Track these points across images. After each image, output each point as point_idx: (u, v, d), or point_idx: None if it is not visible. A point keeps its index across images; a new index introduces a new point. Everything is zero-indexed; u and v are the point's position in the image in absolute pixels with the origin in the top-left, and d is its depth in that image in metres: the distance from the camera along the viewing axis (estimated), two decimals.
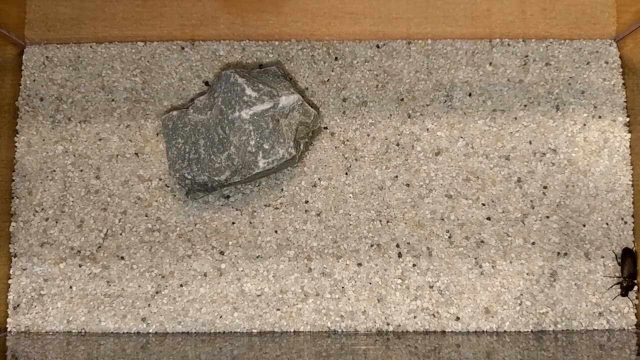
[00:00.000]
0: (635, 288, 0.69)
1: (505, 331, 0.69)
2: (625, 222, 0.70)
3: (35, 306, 0.70)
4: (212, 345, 0.65)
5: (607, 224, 0.70)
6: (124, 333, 0.69)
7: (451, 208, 0.71)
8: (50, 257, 0.71)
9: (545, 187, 0.71)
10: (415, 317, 0.69)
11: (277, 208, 0.72)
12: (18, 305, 0.71)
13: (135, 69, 0.74)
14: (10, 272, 0.71)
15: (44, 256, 0.71)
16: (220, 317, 0.69)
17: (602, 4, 0.68)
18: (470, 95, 0.73)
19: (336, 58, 0.74)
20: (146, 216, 0.72)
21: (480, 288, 0.69)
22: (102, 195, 0.72)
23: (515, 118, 0.72)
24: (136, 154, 0.73)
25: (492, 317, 0.69)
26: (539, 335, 0.67)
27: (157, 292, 0.70)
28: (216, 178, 0.67)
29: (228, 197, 0.72)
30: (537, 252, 0.70)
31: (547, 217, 0.71)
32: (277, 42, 0.75)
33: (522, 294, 0.69)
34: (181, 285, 0.70)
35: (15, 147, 0.73)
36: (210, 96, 0.68)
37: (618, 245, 0.70)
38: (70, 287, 0.70)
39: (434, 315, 0.69)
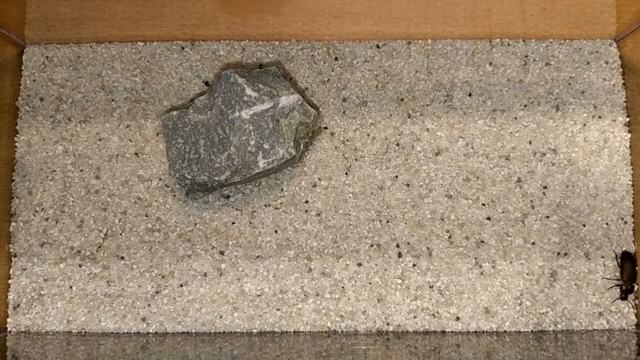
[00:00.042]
0: (635, 291, 0.69)
1: (505, 331, 0.69)
2: (625, 222, 0.70)
3: (35, 306, 0.70)
4: (212, 345, 0.65)
5: (607, 224, 0.70)
6: (124, 333, 0.69)
7: (451, 208, 0.71)
8: (50, 257, 0.71)
9: (545, 187, 0.71)
10: (415, 317, 0.69)
11: (277, 208, 0.72)
12: (18, 305, 0.71)
13: (135, 69, 0.74)
14: (10, 272, 0.71)
15: (44, 256, 0.71)
16: (220, 317, 0.69)
17: (602, 4, 0.68)
18: (470, 95, 0.73)
19: (336, 58, 0.74)
20: (146, 216, 0.72)
21: (480, 288, 0.69)
22: (102, 195, 0.72)
23: (515, 118, 0.72)
24: (136, 154, 0.73)
25: (492, 317, 0.69)
26: (539, 335, 0.67)
27: (157, 292, 0.70)
28: (216, 178, 0.67)
29: (228, 197, 0.72)
30: (537, 252, 0.70)
31: (547, 217, 0.71)
32: (277, 42, 0.75)
33: (522, 294, 0.69)
34: (181, 285, 0.70)
35: (15, 147, 0.73)
36: (210, 96, 0.68)
37: (618, 245, 0.70)
38: (70, 287, 0.70)
39: (434, 315, 0.69)
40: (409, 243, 0.70)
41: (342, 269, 0.70)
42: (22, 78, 0.75)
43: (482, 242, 0.70)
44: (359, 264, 0.70)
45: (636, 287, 0.69)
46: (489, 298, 0.69)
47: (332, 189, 0.72)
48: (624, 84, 0.73)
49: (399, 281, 0.70)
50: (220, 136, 0.66)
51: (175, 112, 0.69)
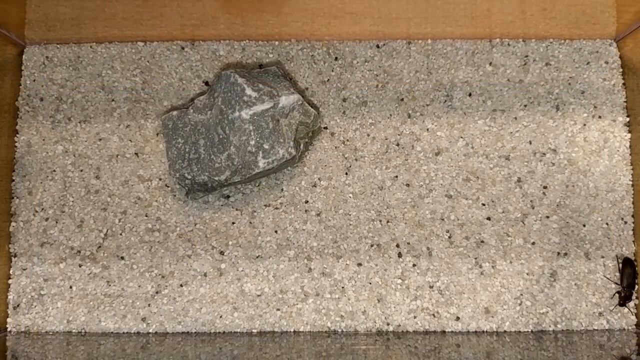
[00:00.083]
0: (634, 298, 0.69)
1: (505, 331, 0.69)
2: (625, 222, 0.71)
3: (35, 306, 0.70)
4: (212, 345, 0.65)
5: (607, 224, 0.70)
6: (124, 333, 0.69)
7: (451, 208, 0.71)
8: (50, 257, 0.71)
9: (545, 187, 0.71)
10: (415, 317, 0.69)
11: (277, 208, 0.72)
12: (18, 305, 0.71)
13: (135, 69, 0.74)
14: (10, 272, 0.71)
15: (44, 256, 0.71)
16: (220, 317, 0.69)
17: (602, 4, 0.68)
18: (470, 95, 0.73)
19: (336, 58, 0.74)
20: (146, 216, 0.72)
21: (480, 288, 0.69)
22: (102, 195, 0.72)
23: (515, 118, 0.72)
24: (136, 154, 0.73)
25: (492, 317, 0.69)
26: (539, 335, 0.67)
27: (157, 292, 0.70)
28: (216, 178, 0.67)
29: (228, 197, 0.72)
30: (537, 252, 0.70)
31: (547, 217, 0.71)
32: (277, 42, 0.75)
33: (522, 294, 0.69)
34: (181, 285, 0.70)
35: (15, 147, 0.73)
36: (210, 96, 0.68)
37: (618, 245, 0.70)
38: (70, 287, 0.70)
39: (434, 315, 0.69)
40: (409, 243, 0.70)
41: (342, 269, 0.70)
42: (22, 78, 0.75)
43: (482, 242, 0.70)
44: (359, 264, 0.70)
45: (635, 294, 0.69)
46: (489, 298, 0.69)
47: (332, 189, 0.72)
48: (624, 84, 0.73)
49: (399, 281, 0.70)
50: (220, 136, 0.66)
51: (175, 112, 0.69)
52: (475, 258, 0.70)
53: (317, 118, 0.70)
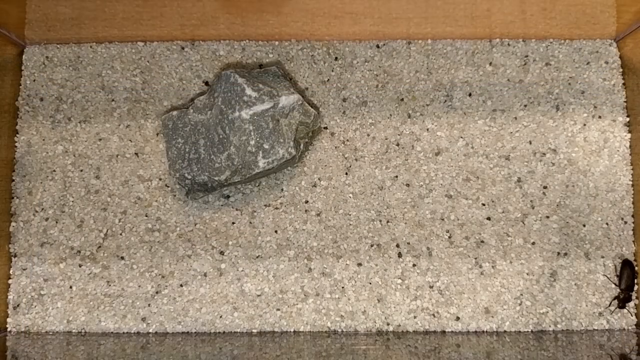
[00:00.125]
0: (633, 300, 0.69)
1: (505, 331, 0.69)
2: (625, 222, 0.71)
3: (35, 306, 0.70)
4: (212, 345, 0.65)
5: (607, 224, 0.70)
6: (124, 333, 0.69)
7: (451, 208, 0.71)
8: (50, 257, 0.71)
9: (545, 187, 0.71)
10: (415, 317, 0.69)
11: (277, 208, 0.72)
12: (18, 305, 0.71)
13: (135, 69, 0.74)
14: (10, 272, 0.71)
15: (44, 256, 0.71)
16: (220, 317, 0.69)
17: (602, 4, 0.68)
18: (470, 95, 0.73)
19: (336, 58, 0.74)
20: (146, 216, 0.72)
21: (480, 288, 0.69)
22: (102, 195, 0.72)
23: (515, 118, 0.72)
24: (136, 154, 0.73)
25: (492, 317, 0.69)
26: (539, 335, 0.67)
27: (157, 292, 0.70)
28: (216, 178, 0.67)
29: (228, 197, 0.72)
30: (537, 252, 0.70)
31: (547, 217, 0.71)
32: (277, 42, 0.75)
33: (522, 294, 0.69)
34: (181, 285, 0.70)
35: (15, 147, 0.73)
36: (210, 96, 0.68)
37: (618, 245, 0.70)
38: (70, 287, 0.70)
39: (434, 315, 0.69)
40: (409, 243, 0.70)
41: (342, 269, 0.70)
42: (22, 78, 0.75)
43: (482, 242, 0.70)
44: (359, 264, 0.70)
45: (634, 295, 0.69)
46: (489, 298, 0.69)
47: (332, 189, 0.72)
48: (624, 84, 0.73)
49: (399, 281, 0.70)
50: (220, 136, 0.66)
51: (175, 112, 0.69)
52: (475, 258, 0.70)
53: (317, 118, 0.70)
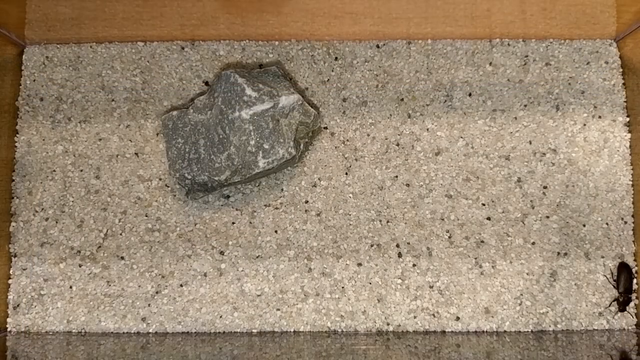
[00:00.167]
0: (633, 302, 0.69)
1: (505, 331, 0.69)
2: (625, 222, 0.71)
3: (35, 306, 0.70)
4: (212, 345, 0.65)
5: (607, 224, 0.70)
6: (124, 333, 0.69)
7: (451, 208, 0.71)
8: (50, 257, 0.71)
9: (545, 187, 0.71)
10: (415, 317, 0.69)
11: (277, 208, 0.72)
12: (18, 305, 0.71)
13: (135, 69, 0.74)
14: (10, 272, 0.71)
15: (44, 256, 0.71)
16: (220, 317, 0.69)
17: (602, 4, 0.68)
18: (470, 95, 0.73)
19: (336, 58, 0.74)
20: (146, 216, 0.72)
21: (480, 288, 0.69)
22: (102, 195, 0.72)
23: (515, 118, 0.72)
24: (136, 154, 0.73)
25: (492, 317, 0.69)
26: (539, 335, 0.67)
27: (157, 292, 0.70)
28: (216, 178, 0.67)
29: (228, 197, 0.72)
30: (537, 252, 0.70)
31: (547, 217, 0.71)
32: (277, 42, 0.75)
33: (522, 294, 0.69)
34: (181, 285, 0.70)
35: (15, 147, 0.74)
36: (210, 96, 0.68)
37: (618, 245, 0.70)
38: (70, 287, 0.70)
39: (434, 315, 0.69)
40: (409, 243, 0.70)
41: (342, 269, 0.70)
42: (22, 78, 0.75)
43: (482, 242, 0.70)
44: (359, 264, 0.70)
45: (634, 297, 0.69)
46: (489, 298, 0.69)
47: (332, 189, 0.72)
48: (624, 84, 0.73)
49: (399, 281, 0.70)
50: (220, 136, 0.66)
51: (175, 112, 0.69)
52: (475, 258, 0.70)
53: (317, 118, 0.70)
